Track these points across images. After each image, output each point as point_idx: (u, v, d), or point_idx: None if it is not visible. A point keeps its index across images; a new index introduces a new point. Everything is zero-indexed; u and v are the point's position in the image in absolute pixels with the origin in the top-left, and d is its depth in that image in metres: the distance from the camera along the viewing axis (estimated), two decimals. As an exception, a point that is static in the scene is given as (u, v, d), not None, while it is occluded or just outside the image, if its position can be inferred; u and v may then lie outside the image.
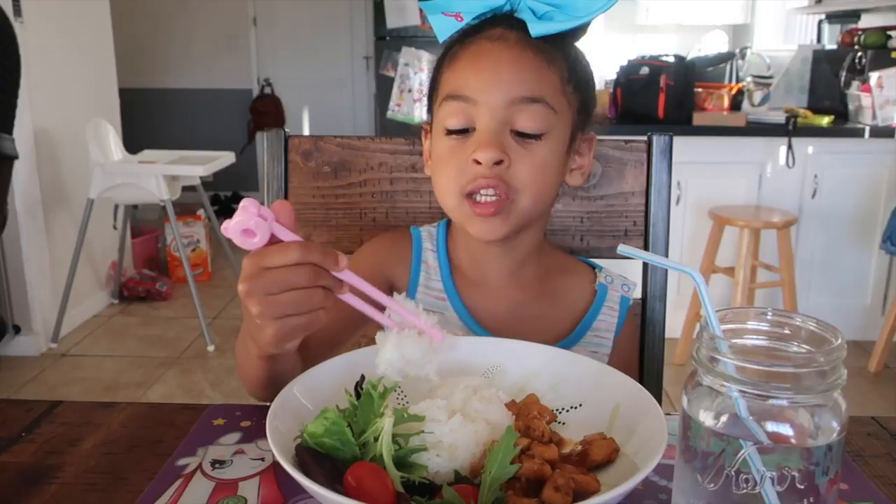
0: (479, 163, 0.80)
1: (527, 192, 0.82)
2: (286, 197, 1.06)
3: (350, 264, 0.93)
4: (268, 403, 0.64)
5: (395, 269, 0.94)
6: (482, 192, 0.81)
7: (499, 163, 0.80)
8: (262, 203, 0.66)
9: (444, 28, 0.84)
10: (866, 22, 3.80)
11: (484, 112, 0.81)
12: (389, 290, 0.92)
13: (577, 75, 0.85)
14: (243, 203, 0.60)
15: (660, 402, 0.81)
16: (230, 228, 0.60)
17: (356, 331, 0.91)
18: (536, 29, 0.80)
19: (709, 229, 3.07)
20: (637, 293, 1.07)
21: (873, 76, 3.15)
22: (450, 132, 0.83)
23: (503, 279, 0.92)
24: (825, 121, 3.18)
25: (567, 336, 0.92)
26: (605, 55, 4.00)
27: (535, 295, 0.93)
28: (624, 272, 1.03)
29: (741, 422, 0.50)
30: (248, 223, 0.60)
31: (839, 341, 0.51)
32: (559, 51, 0.83)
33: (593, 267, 0.99)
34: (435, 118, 0.87)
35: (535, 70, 0.81)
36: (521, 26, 0.81)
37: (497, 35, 0.82)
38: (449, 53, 0.86)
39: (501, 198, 0.81)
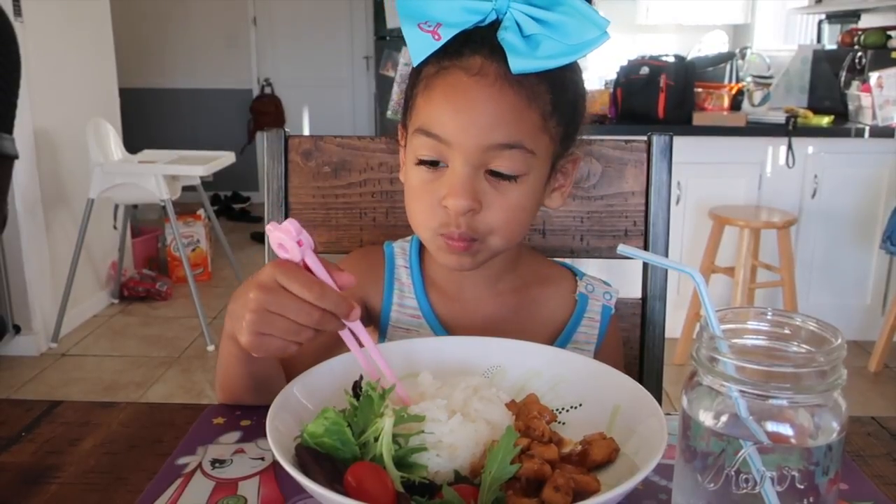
0: (448, 208, 0.78)
1: (498, 234, 0.80)
2: (286, 197, 1.06)
3: None
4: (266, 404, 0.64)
5: (368, 289, 0.92)
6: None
7: (470, 209, 0.77)
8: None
9: (419, 47, 0.75)
10: (866, 22, 3.80)
11: (457, 155, 0.77)
12: (364, 310, 0.92)
13: (562, 103, 0.80)
14: (286, 224, 0.62)
15: (660, 402, 0.81)
16: (271, 237, 0.63)
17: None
18: (517, 65, 0.73)
19: (709, 229, 3.07)
20: (635, 293, 1.07)
21: (873, 76, 3.15)
22: (422, 163, 0.80)
23: (480, 292, 0.91)
24: (825, 121, 3.18)
25: None
26: (605, 55, 4.00)
27: (514, 307, 0.91)
28: (624, 272, 1.03)
29: (741, 422, 0.50)
30: (285, 242, 0.62)
31: (839, 341, 0.51)
32: (544, 81, 0.77)
33: (575, 273, 0.96)
34: (408, 145, 0.83)
35: (513, 112, 0.76)
36: (503, 56, 0.74)
37: (476, 68, 0.76)
38: (424, 76, 0.80)
39: (471, 242, 0.80)
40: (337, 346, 0.88)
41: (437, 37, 0.75)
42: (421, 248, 0.93)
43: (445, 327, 0.90)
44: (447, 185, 0.78)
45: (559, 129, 0.81)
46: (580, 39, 0.74)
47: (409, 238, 0.95)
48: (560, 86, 0.79)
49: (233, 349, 0.74)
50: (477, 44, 0.76)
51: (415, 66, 0.79)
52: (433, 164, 0.79)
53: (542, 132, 0.79)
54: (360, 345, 0.69)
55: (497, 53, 0.75)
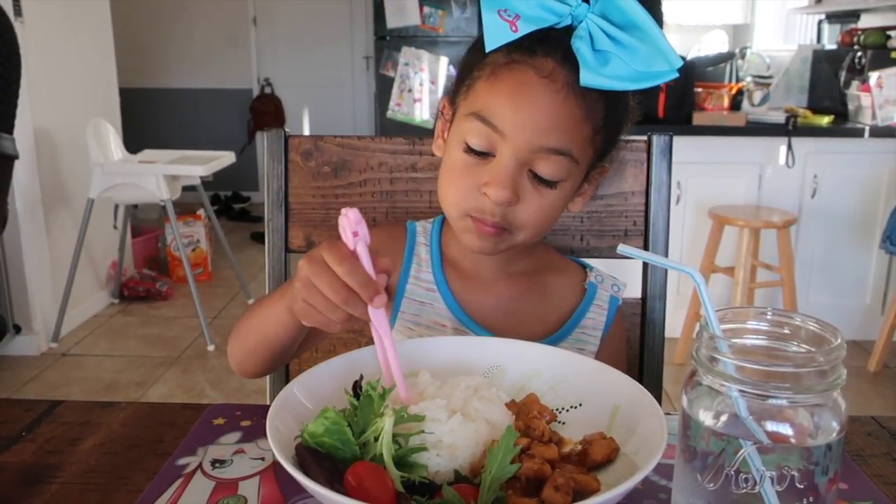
0: (487, 196, 0.80)
1: (527, 230, 0.83)
2: (286, 197, 1.06)
3: None
4: (267, 403, 0.64)
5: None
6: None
7: (509, 202, 0.80)
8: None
9: (495, 35, 0.76)
10: (866, 22, 3.80)
11: (508, 148, 0.79)
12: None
13: (612, 121, 0.82)
14: (350, 213, 0.65)
15: (660, 401, 0.81)
16: (340, 221, 0.66)
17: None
18: (587, 79, 0.75)
19: (709, 229, 3.07)
20: (635, 293, 1.07)
21: (873, 76, 3.15)
22: (469, 149, 0.81)
23: (495, 273, 0.93)
24: (825, 121, 3.18)
25: (555, 332, 0.93)
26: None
27: (526, 290, 0.94)
28: (624, 272, 1.03)
29: (741, 421, 0.50)
30: (345, 229, 0.66)
31: (839, 341, 0.51)
32: (602, 97, 0.79)
33: (584, 266, 0.99)
34: (456, 124, 0.85)
35: (570, 121, 0.78)
36: (574, 65, 0.76)
37: (548, 70, 0.77)
38: (491, 62, 0.81)
39: (501, 230, 0.82)
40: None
41: (514, 28, 0.76)
42: (441, 229, 0.96)
43: (458, 302, 0.92)
44: (491, 174, 0.80)
45: (602, 144, 0.84)
46: (647, 69, 0.75)
47: (431, 220, 0.98)
48: (614, 104, 0.82)
49: (284, 317, 0.76)
50: (551, 47, 0.77)
51: (487, 51, 0.79)
52: (480, 153, 0.81)
53: (589, 145, 0.82)
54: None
55: (569, 62, 0.76)
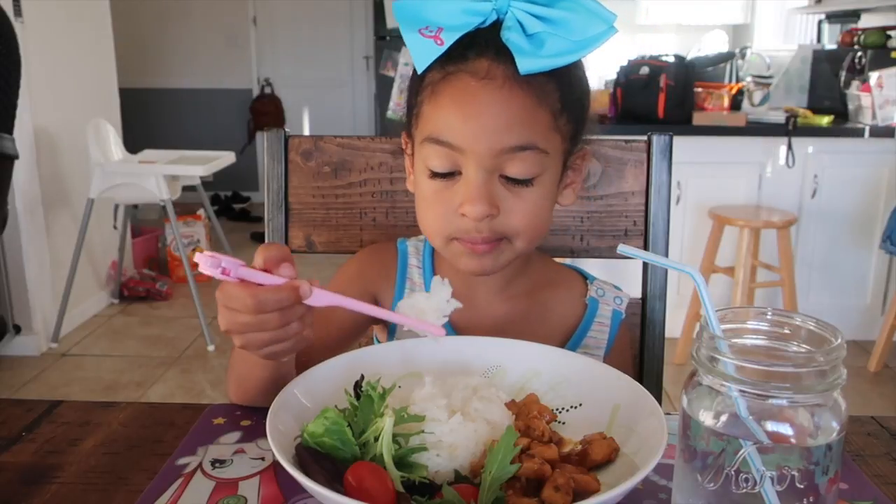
0: (466, 215, 0.77)
1: (521, 236, 0.80)
2: (286, 197, 1.06)
3: (337, 279, 0.93)
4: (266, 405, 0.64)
5: (380, 284, 0.92)
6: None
7: (489, 214, 0.77)
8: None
9: (422, 54, 0.74)
10: (866, 22, 3.80)
11: (471, 161, 0.76)
12: (376, 304, 0.91)
13: (570, 101, 0.79)
14: (204, 267, 0.61)
15: (660, 402, 0.81)
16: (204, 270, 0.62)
17: (355, 339, 0.91)
18: (525, 65, 0.72)
19: (709, 229, 3.07)
20: (635, 293, 1.07)
21: (873, 76, 3.15)
22: (434, 174, 0.79)
23: (491, 296, 0.90)
24: (825, 121, 3.18)
25: None
26: (605, 55, 4.00)
27: (524, 310, 0.91)
28: (624, 272, 1.03)
29: (741, 421, 0.50)
30: (215, 275, 0.62)
31: (839, 341, 0.51)
32: (552, 80, 0.76)
33: (585, 277, 0.96)
34: (417, 154, 0.82)
35: (525, 113, 0.75)
36: (509, 57, 0.73)
37: (483, 71, 0.74)
38: (429, 83, 0.78)
39: (496, 242, 0.80)
40: (343, 346, 0.89)
41: (439, 42, 0.73)
42: (434, 249, 0.93)
43: (456, 330, 0.89)
44: (462, 192, 0.77)
45: (569, 126, 0.80)
46: (585, 35, 0.73)
47: (422, 237, 0.95)
48: (567, 83, 0.78)
49: (253, 357, 0.72)
50: (482, 46, 0.75)
51: (419, 73, 0.78)
52: (447, 175, 0.78)
53: (553, 131, 0.78)
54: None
55: (503, 55, 0.74)
